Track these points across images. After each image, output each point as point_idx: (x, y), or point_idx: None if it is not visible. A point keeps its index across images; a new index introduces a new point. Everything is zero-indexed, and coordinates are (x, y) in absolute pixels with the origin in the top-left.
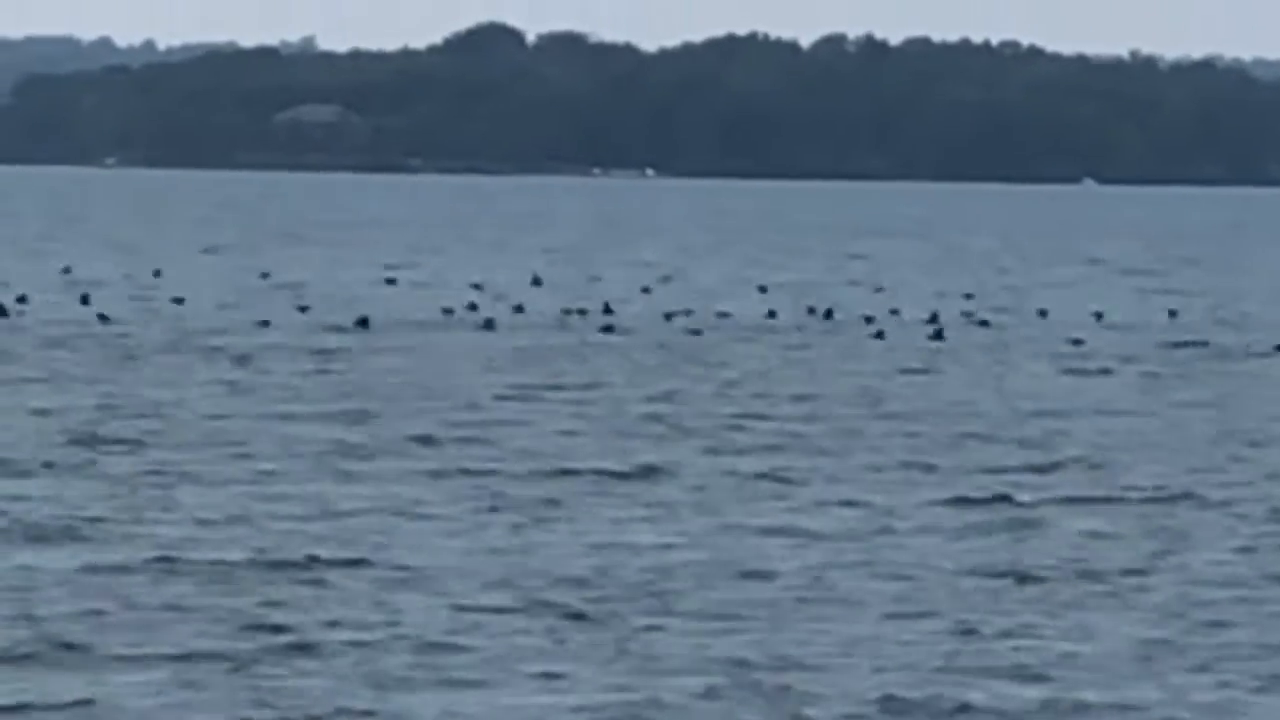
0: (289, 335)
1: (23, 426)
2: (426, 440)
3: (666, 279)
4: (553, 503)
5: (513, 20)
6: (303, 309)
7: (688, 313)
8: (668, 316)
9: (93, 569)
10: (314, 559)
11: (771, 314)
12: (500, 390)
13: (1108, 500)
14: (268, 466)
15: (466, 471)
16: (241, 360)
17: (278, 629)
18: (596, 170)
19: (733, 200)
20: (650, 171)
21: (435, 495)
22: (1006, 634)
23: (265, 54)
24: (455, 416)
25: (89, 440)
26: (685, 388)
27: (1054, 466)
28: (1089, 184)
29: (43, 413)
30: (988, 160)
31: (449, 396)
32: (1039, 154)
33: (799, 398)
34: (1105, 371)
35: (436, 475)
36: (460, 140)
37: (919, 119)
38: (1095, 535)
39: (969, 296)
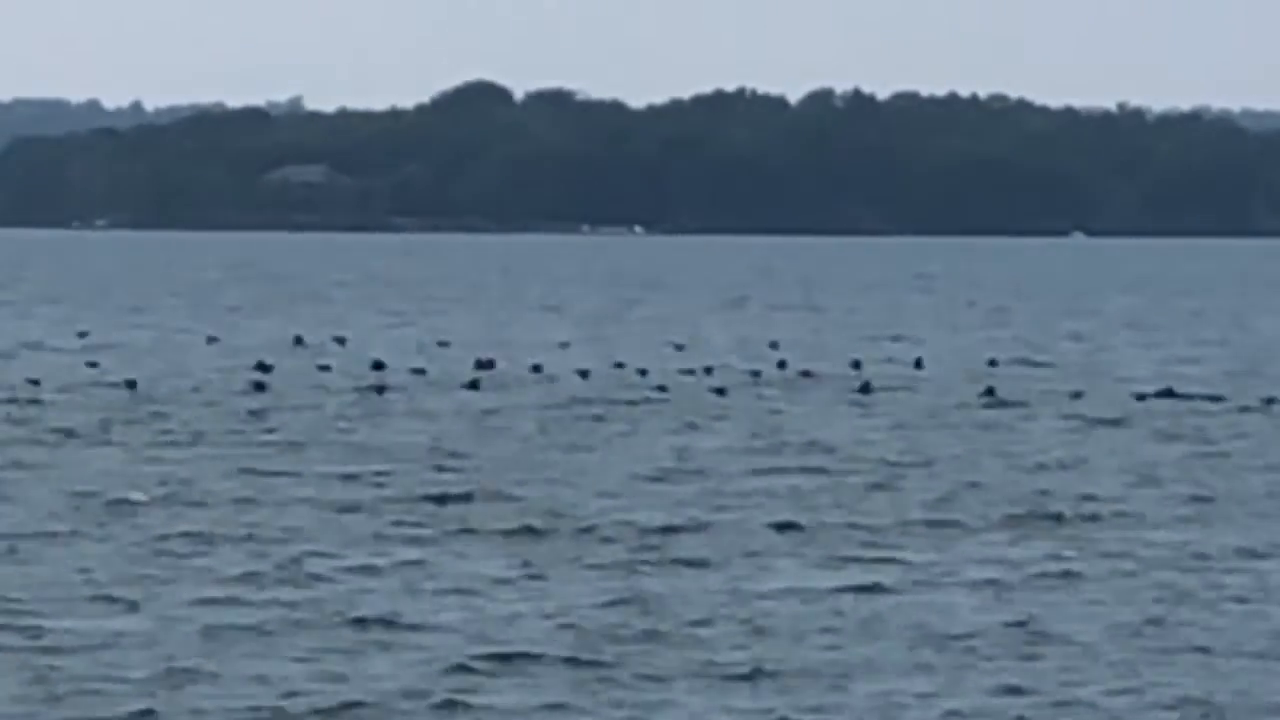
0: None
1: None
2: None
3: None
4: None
5: (500, 78)
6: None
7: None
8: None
9: None
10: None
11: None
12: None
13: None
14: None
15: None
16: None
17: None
18: (585, 228)
19: (730, 256)
20: (639, 229)
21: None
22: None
23: (253, 114)
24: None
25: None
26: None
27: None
28: (1078, 236)
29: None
30: (978, 213)
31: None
32: (1029, 207)
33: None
34: None
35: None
36: (448, 199)
37: (909, 173)
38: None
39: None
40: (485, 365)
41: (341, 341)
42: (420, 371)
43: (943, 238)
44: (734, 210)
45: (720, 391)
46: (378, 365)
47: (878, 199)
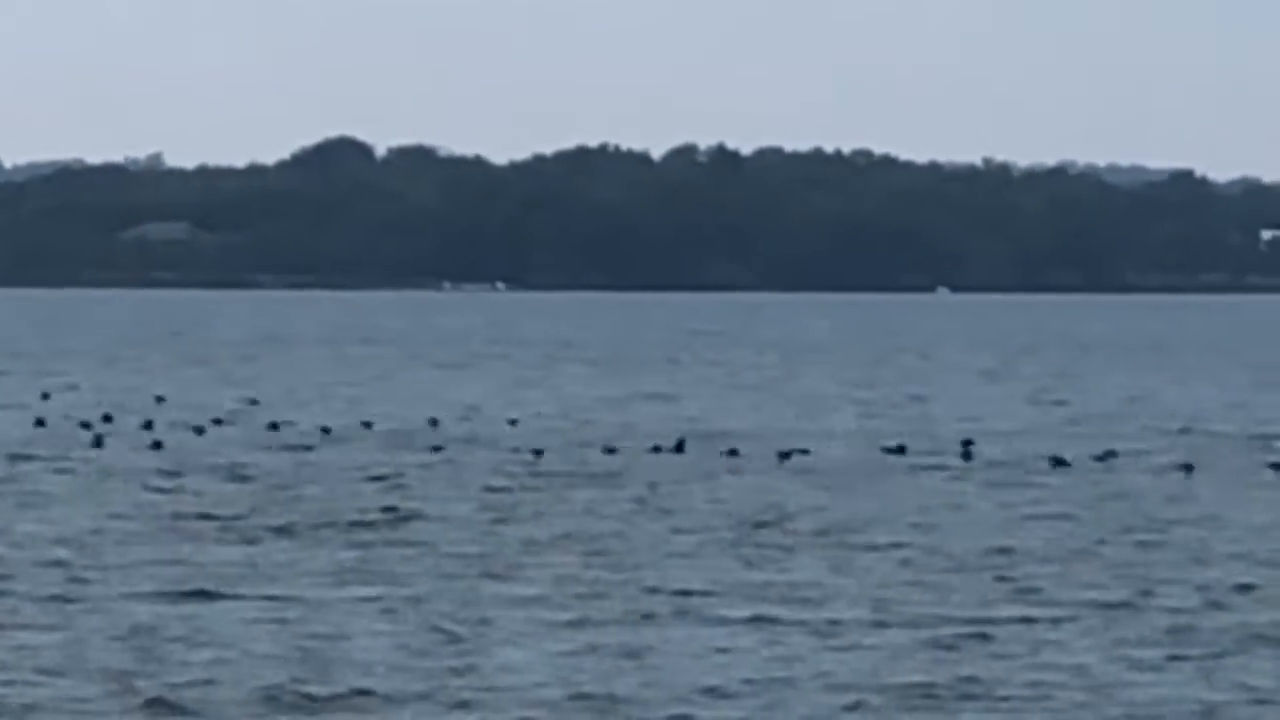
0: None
1: None
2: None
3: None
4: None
5: (361, 134)
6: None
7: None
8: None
9: None
10: None
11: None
12: None
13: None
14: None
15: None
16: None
17: None
18: (446, 284)
19: (589, 313)
20: (501, 285)
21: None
22: None
23: (112, 171)
24: None
25: None
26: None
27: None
28: (943, 292)
29: None
30: (843, 269)
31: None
32: (894, 263)
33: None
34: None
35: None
36: (309, 255)
37: (773, 229)
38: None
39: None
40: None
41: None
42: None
43: (807, 294)
44: (597, 267)
45: None
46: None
47: (742, 255)
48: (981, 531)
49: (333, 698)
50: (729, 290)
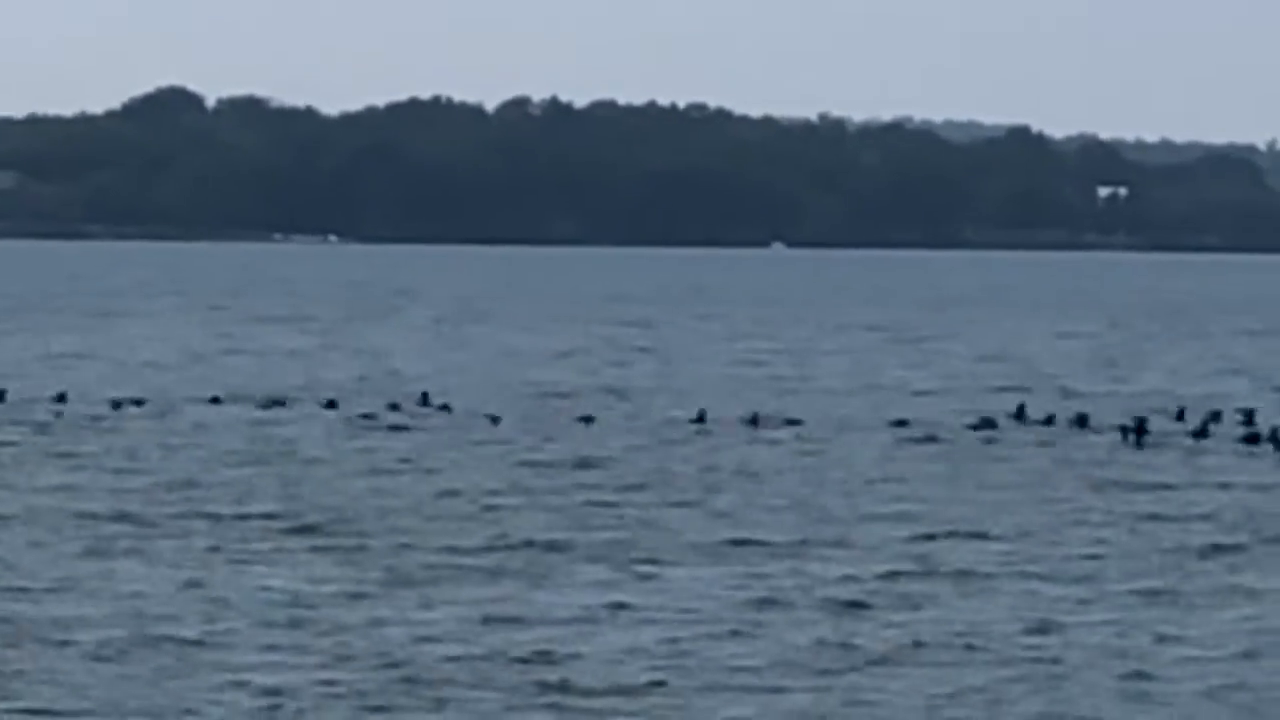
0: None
1: None
2: None
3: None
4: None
5: (193, 85)
6: None
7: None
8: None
9: None
10: None
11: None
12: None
13: None
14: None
15: None
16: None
17: None
18: (278, 236)
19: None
20: (333, 237)
21: None
22: None
23: None
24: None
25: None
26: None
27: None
28: (778, 247)
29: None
30: (676, 223)
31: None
32: (728, 217)
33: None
34: None
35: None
36: (141, 206)
37: (606, 182)
38: None
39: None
40: None
41: None
42: None
43: (641, 248)
44: (429, 219)
45: None
46: None
47: (576, 209)
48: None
49: None
50: (559, 244)
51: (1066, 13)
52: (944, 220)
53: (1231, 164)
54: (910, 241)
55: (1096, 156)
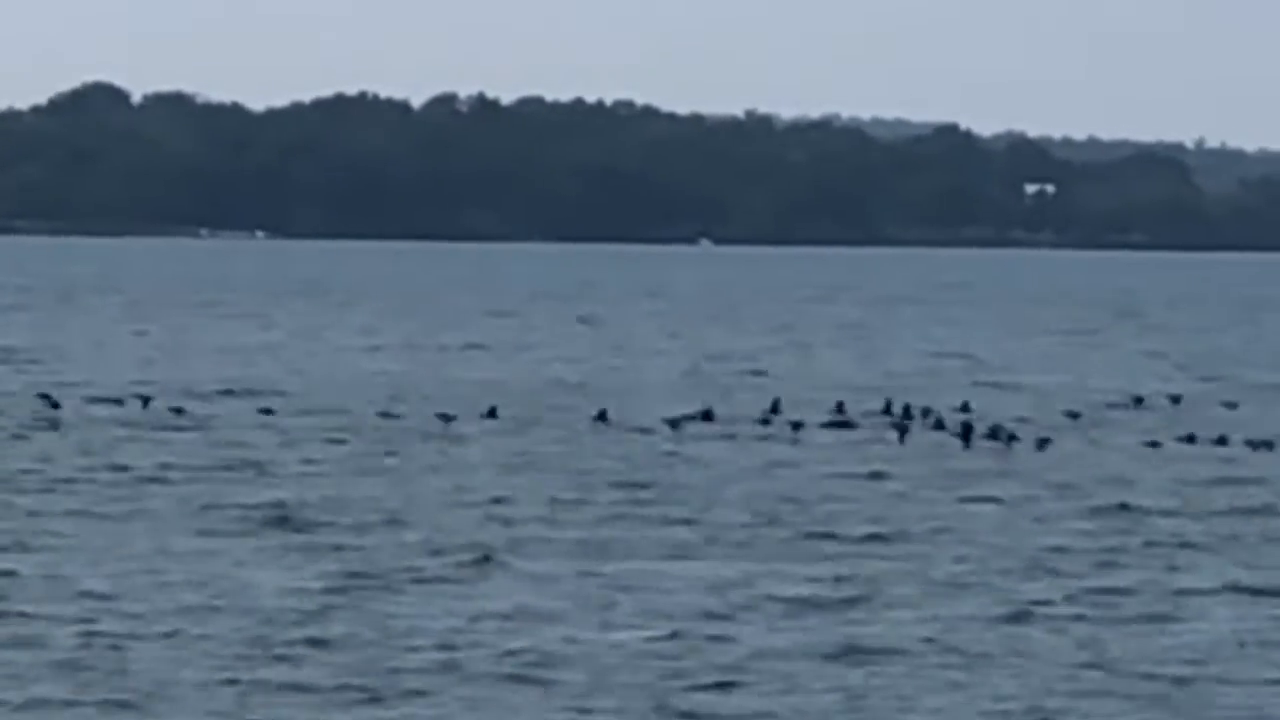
0: None
1: None
2: None
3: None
4: None
5: (118, 80)
6: None
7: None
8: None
9: None
10: None
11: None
12: None
13: None
14: None
15: None
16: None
17: None
18: (204, 232)
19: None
20: (260, 233)
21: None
22: None
23: None
24: None
25: None
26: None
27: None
28: (705, 244)
29: None
30: (603, 220)
31: None
32: (655, 214)
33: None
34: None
35: None
36: (67, 202)
37: (532, 179)
38: None
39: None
40: None
41: None
42: None
43: (566, 244)
44: (355, 215)
45: None
46: None
47: (501, 205)
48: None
49: None
50: (487, 240)
51: (994, 10)
52: (868, 217)
53: (1159, 162)
54: (834, 238)
55: (1024, 154)
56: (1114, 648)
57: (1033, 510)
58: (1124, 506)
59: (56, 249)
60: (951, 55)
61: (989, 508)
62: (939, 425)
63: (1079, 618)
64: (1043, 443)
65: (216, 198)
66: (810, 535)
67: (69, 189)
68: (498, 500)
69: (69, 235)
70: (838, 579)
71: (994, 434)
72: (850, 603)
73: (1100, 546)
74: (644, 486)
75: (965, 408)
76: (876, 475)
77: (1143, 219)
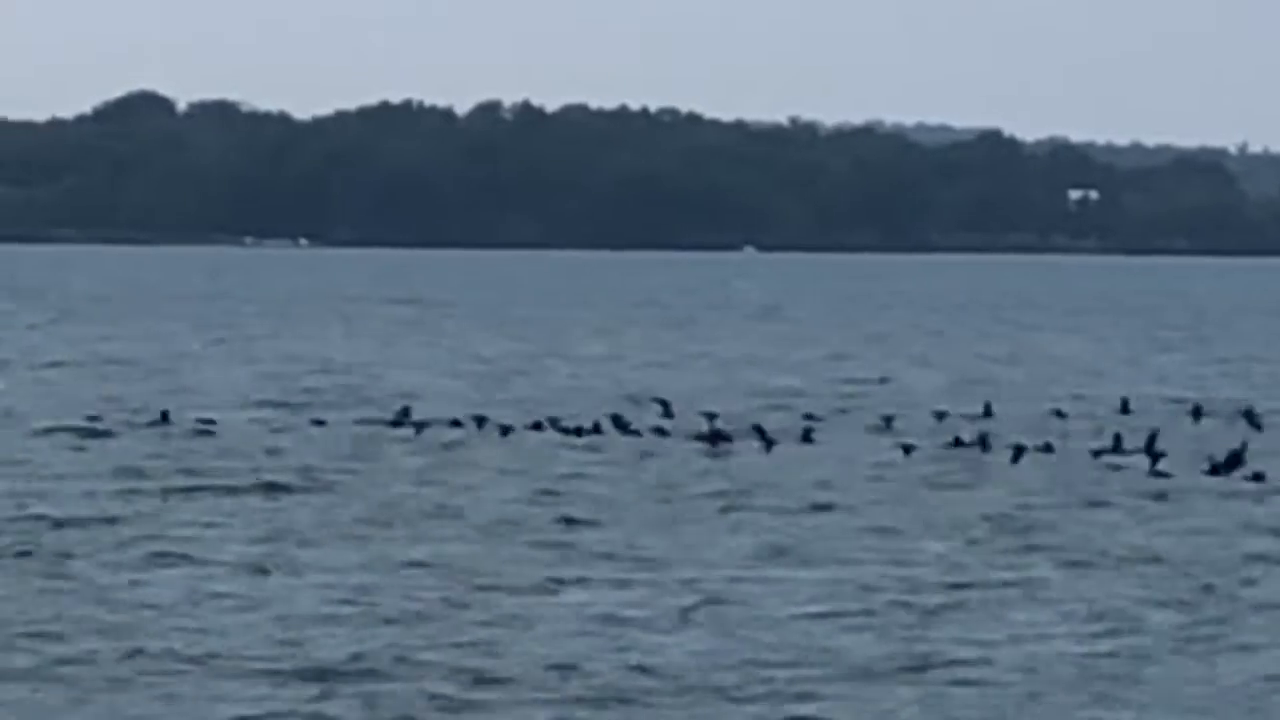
0: None
1: None
2: None
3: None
4: None
5: (163, 89)
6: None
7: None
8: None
9: None
10: None
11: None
12: None
13: None
14: None
15: None
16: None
17: None
18: (249, 240)
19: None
20: (304, 241)
21: None
22: None
23: None
24: None
25: None
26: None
27: None
28: (750, 251)
29: None
30: (648, 228)
31: None
32: (699, 221)
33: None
34: None
35: None
36: (112, 211)
37: (577, 186)
38: None
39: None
40: None
41: None
42: None
43: (612, 252)
44: (400, 223)
45: None
46: None
47: (546, 213)
48: None
49: None
50: (533, 248)
51: (1038, 16)
52: (911, 223)
53: (1202, 167)
54: (877, 245)
55: (1067, 160)
56: None
57: None
58: None
59: (140, 257)
60: (994, 61)
61: None
62: None
63: None
64: None
65: (260, 206)
66: None
67: (113, 197)
68: None
69: (113, 244)
70: None
71: None
72: None
73: None
74: None
75: None
76: None
77: (1186, 224)
